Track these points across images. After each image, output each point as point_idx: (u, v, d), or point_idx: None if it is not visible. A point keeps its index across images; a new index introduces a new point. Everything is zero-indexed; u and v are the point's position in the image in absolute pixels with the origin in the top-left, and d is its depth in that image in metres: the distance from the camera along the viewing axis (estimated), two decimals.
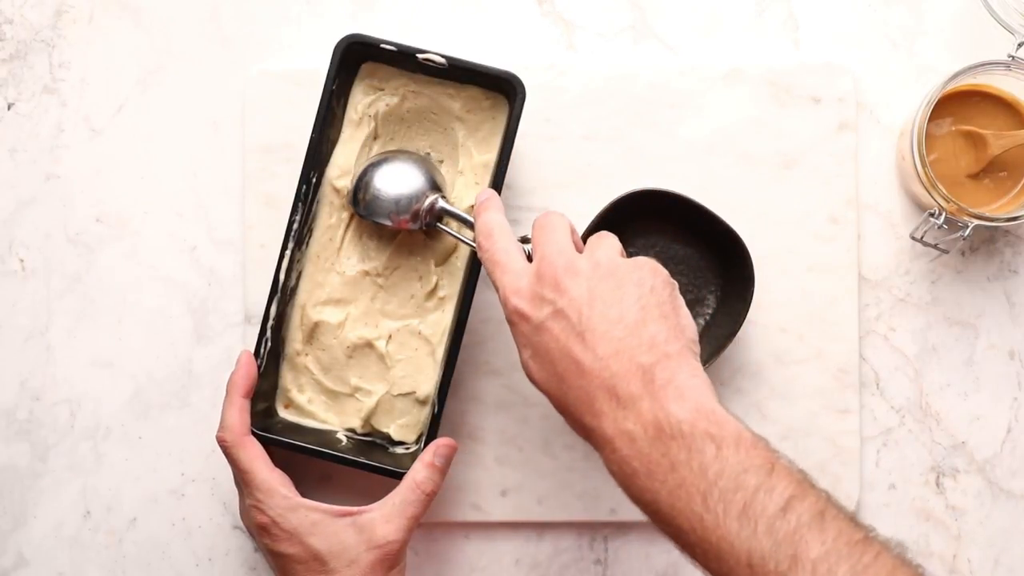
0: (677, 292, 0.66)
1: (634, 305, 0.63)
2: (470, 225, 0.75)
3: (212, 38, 0.87)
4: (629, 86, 0.84)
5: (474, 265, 0.78)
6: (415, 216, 0.78)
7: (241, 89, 0.85)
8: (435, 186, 0.79)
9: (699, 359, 0.64)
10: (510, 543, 0.84)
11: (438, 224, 0.78)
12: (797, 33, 0.85)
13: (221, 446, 0.76)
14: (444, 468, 0.76)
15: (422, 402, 0.80)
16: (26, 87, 0.87)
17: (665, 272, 0.66)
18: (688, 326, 0.64)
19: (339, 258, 0.81)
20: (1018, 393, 0.84)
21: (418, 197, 0.78)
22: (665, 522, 0.58)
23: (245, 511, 0.76)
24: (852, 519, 0.57)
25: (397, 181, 0.79)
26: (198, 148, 0.86)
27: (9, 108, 0.87)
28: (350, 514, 0.74)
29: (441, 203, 0.78)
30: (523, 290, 0.65)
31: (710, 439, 0.58)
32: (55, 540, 0.86)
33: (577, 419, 0.63)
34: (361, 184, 0.79)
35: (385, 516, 0.74)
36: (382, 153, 0.81)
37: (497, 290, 0.67)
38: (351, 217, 0.81)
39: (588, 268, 0.64)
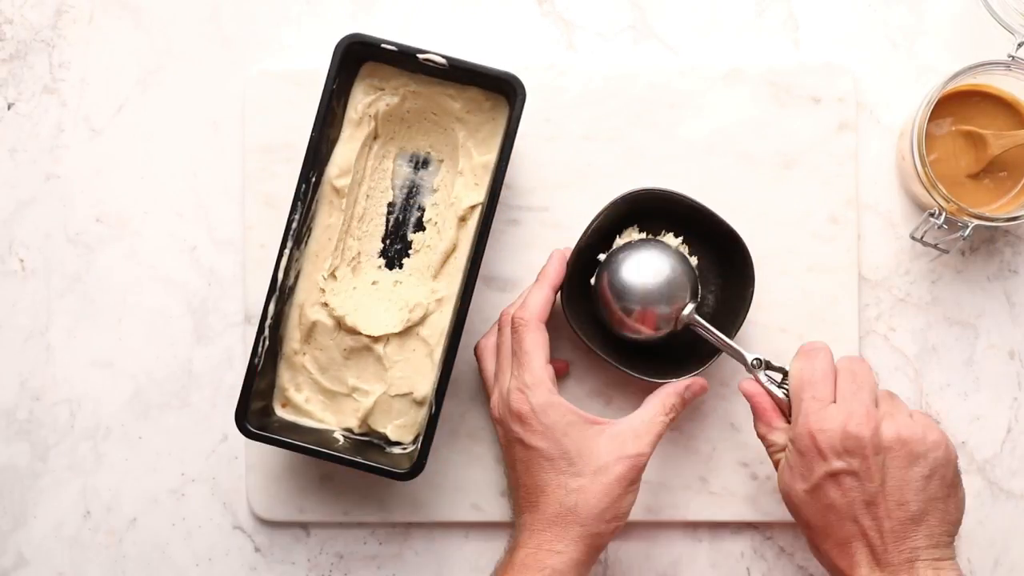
0: (958, 467, 0.72)
1: (920, 494, 0.69)
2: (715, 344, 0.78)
3: (212, 38, 0.87)
4: (629, 86, 0.84)
5: (473, 265, 0.78)
6: (668, 321, 0.79)
7: (241, 89, 0.85)
8: (693, 292, 0.79)
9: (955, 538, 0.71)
10: None
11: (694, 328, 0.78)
12: (797, 33, 0.85)
13: (514, 323, 0.75)
14: (689, 403, 0.78)
15: (419, 403, 0.80)
16: (26, 87, 0.87)
17: (951, 448, 0.71)
18: (961, 506, 0.71)
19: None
20: (1018, 393, 0.84)
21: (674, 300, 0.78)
22: None
23: (502, 398, 0.75)
24: None
25: (654, 274, 0.79)
26: (198, 148, 0.86)
27: (9, 108, 0.87)
28: (601, 423, 0.74)
29: (695, 315, 0.78)
30: (829, 433, 0.70)
31: None
32: (55, 540, 0.86)
33: (828, 557, 0.71)
34: (615, 268, 0.79)
35: (635, 431, 0.74)
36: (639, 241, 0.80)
37: (800, 412, 0.72)
38: (350, 220, 0.82)
39: (891, 441, 0.69)
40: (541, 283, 0.77)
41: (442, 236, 0.82)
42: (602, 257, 0.80)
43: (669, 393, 0.76)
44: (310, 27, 0.86)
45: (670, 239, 0.81)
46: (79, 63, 0.87)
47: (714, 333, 0.77)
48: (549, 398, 0.73)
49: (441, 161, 0.82)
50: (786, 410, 0.75)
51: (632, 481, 0.73)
